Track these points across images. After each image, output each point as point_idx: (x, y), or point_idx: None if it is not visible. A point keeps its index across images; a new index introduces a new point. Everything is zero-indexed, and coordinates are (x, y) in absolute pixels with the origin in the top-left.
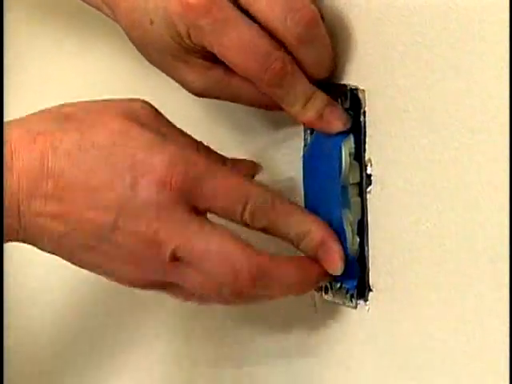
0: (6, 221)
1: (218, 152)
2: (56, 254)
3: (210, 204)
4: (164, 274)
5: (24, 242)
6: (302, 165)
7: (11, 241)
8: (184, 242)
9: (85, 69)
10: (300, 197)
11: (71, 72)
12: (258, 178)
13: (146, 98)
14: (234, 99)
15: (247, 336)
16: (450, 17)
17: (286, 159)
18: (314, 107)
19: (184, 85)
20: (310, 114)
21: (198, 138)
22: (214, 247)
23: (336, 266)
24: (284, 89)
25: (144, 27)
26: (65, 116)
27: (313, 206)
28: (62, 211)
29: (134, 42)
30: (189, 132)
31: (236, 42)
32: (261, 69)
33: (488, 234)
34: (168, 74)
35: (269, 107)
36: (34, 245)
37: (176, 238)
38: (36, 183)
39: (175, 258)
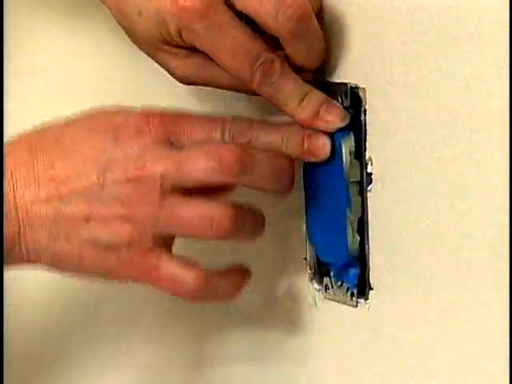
0: (6, 223)
1: None
2: (55, 255)
3: (189, 137)
4: (158, 214)
5: (28, 254)
6: (302, 164)
7: (15, 260)
8: (169, 166)
9: (80, 54)
10: (301, 195)
11: (67, 57)
12: None
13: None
14: (216, 85)
15: (245, 335)
16: (450, 15)
17: None
18: (309, 106)
19: (167, 71)
20: (305, 113)
21: None
22: (200, 154)
23: (322, 153)
24: (273, 87)
25: (131, 17)
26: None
27: (314, 204)
28: (54, 191)
29: (122, 27)
30: None
31: (230, 46)
32: (251, 70)
33: (488, 233)
34: (154, 60)
35: (249, 92)
36: (37, 256)
37: (161, 165)
38: (27, 171)
39: (166, 187)
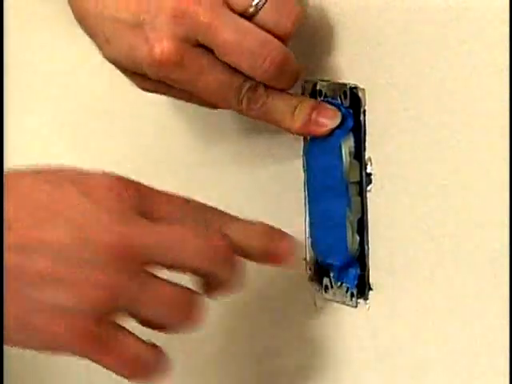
0: None
1: (219, 152)
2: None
3: (161, 214)
4: (130, 287)
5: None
6: (302, 162)
7: None
8: (151, 240)
9: (80, 53)
10: (300, 195)
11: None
12: (259, 173)
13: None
14: (188, 101)
15: (245, 335)
16: (450, 15)
17: (287, 158)
18: (301, 115)
19: (135, 84)
20: (298, 123)
21: (200, 136)
22: (188, 233)
23: (287, 257)
24: (262, 110)
25: (99, 40)
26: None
27: (314, 205)
28: (22, 239)
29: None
30: (186, 130)
31: (210, 85)
32: (237, 100)
33: (488, 233)
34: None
35: (218, 106)
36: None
37: (143, 238)
38: None
39: (143, 262)
